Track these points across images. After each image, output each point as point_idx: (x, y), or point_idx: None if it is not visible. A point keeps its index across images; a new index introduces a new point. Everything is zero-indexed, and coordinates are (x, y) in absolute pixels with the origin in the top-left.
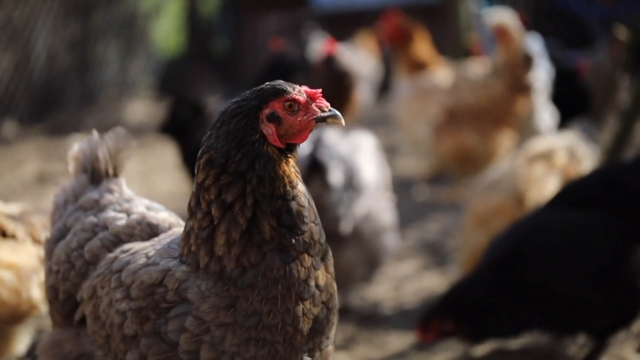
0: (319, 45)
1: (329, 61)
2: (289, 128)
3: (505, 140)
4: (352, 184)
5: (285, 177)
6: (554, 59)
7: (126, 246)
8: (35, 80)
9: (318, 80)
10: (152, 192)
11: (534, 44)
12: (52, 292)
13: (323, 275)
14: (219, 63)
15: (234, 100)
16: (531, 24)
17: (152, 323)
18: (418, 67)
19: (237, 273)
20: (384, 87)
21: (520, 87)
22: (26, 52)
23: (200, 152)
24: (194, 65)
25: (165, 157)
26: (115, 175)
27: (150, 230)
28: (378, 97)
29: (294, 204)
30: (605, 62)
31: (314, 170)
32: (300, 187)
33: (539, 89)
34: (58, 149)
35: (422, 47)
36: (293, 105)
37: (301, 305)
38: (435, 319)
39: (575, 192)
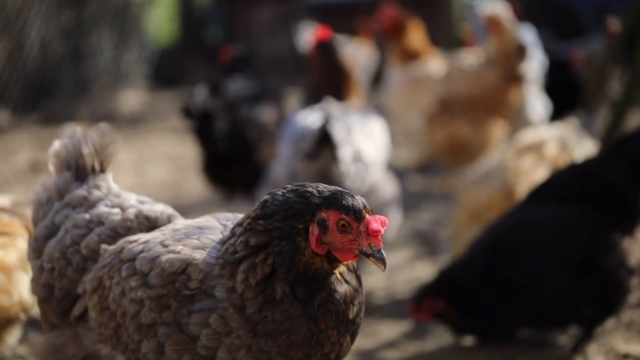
0: (308, 34)
1: (323, 47)
2: (331, 242)
3: (497, 130)
4: (360, 158)
5: (309, 265)
6: (547, 50)
7: (132, 237)
8: (29, 69)
9: (315, 69)
10: (144, 181)
11: (528, 35)
12: (46, 290)
13: (346, 348)
14: (213, 52)
15: (318, 184)
16: (524, 14)
17: (173, 312)
18: (411, 57)
19: (258, 318)
20: (377, 77)
21: (513, 77)
22: (19, 40)
23: (270, 191)
24: (188, 54)
25: (158, 146)
26: (102, 171)
27: (148, 223)
28: (371, 87)
29: (315, 286)
30: (598, 53)
31: (325, 142)
32: (338, 273)
33: (532, 80)
34: (51, 138)
35: (416, 38)
36: (346, 226)
37: None
38: (427, 298)
39: (553, 186)
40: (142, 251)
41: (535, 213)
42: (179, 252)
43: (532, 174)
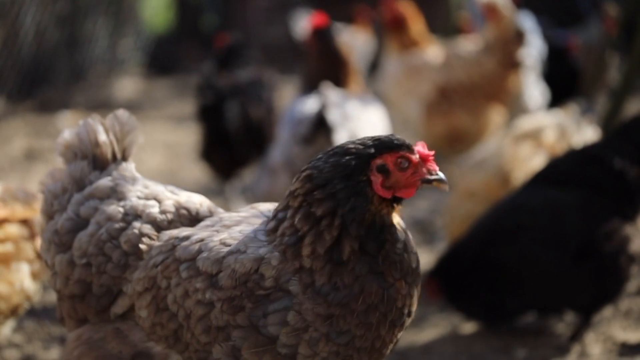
0: (304, 21)
1: (321, 34)
2: (395, 182)
3: (495, 117)
4: None
5: (377, 214)
6: (545, 38)
7: (180, 233)
8: (24, 57)
9: (312, 56)
10: (140, 169)
11: (526, 21)
12: (81, 286)
13: (415, 301)
14: (209, 40)
15: (353, 140)
16: (522, 2)
17: (248, 314)
18: (409, 46)
19: (328, 289)
20: (373, 65)
21: (511, 63)
22: (14, 28)
23: (304, 167)
24: (183, 42)
25: (153, 134)
26: (124, 159)
27: (189, 215)
28: (368, 75)
29: (387, 238)
30: (596, 40)
31: (320, 127)
32: (396, 223)
33: (530, 66)
34: (47, 126)
35: (416, 29)
36: (404, 162)
37: (392, 332)
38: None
39: (555, 170)
40: (200, 251)
41: (535, 196)
42: (245, 252)
43: (529, 161)
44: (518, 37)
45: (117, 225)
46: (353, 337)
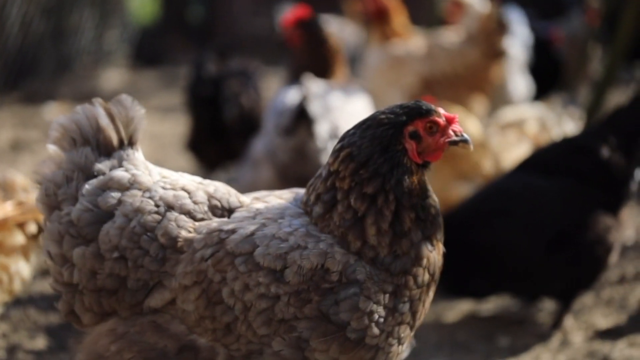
0: (283, 13)
1: (306, 26)
2: (426, 147)
3: (478, 107)
4: (337, 135)
5: (419, 181)
6: (528, 30)
7: (226, 226)
8: (10, 48)
9: (297, 47)
10: None
11: (513, 13)
12: (114, 281)
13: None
14: (194, 32)
15: (381, 110)
16: None
17: (316, 305)
18: (391, 37)
19: (389, 259)
20: (353, 58)
21: (494, 53)
22: (0, 19)
23: (340, 145)
24: (169, 33)
25: None
26: (130, 145)
27: (222, 206)
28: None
29: (427, 201)
30: (579, 32)
31: (301, 118)
32: (432, 194)
33: (513, 57)
34: (33, 117)
35: (398, 19)
36: (433, 126)
37: (433, 290)
38: None
39: (542, 158)
40: (256, 245)
41: (515, 182)
42: (306, 247)
43: (514, 148)
44: (500, 28)
45: (150, 218)
46: (412, 302)
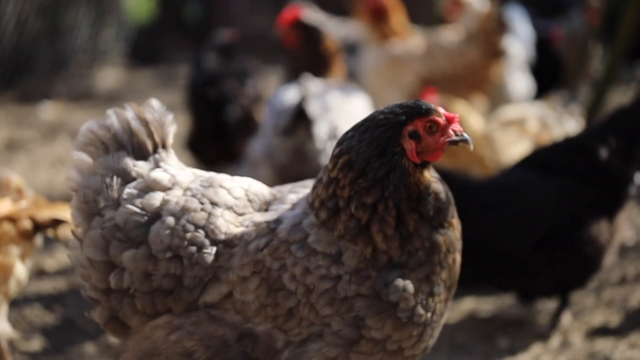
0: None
1: (302, 26)
2: (425, 147)
3: (477, 107)
4: (336, 135)
5: (419, 184)
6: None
7: (271, 217)
8: (5, 47)
9: (295, 47)
10: None
11: (514, 12)
12: (170, 280)
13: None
14: (191, 30)
15: (380, 110)
16: None
17: (373, 282)
18: (390, 36)
19: (405, 258)
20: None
21: (494, 52)
22: None
23: (338, 150)
24: (166, 32)
25: None
26: (164, 147)
27: (258, 200)
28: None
29: (430, 198)
30: (578, 31)
31: (300, 119)
32: (435, 184)
33: (513, 56)
34: (28, 116)
35: (396, 18)
36: (433, 126)
37: (458, 254)
38: None
39: (541, 157)
40: (307, 233)
41: (510, 178)
42: None
43: (515, 146)
44: (500, 27)
45: (198, 215)
46: (444, 282)
